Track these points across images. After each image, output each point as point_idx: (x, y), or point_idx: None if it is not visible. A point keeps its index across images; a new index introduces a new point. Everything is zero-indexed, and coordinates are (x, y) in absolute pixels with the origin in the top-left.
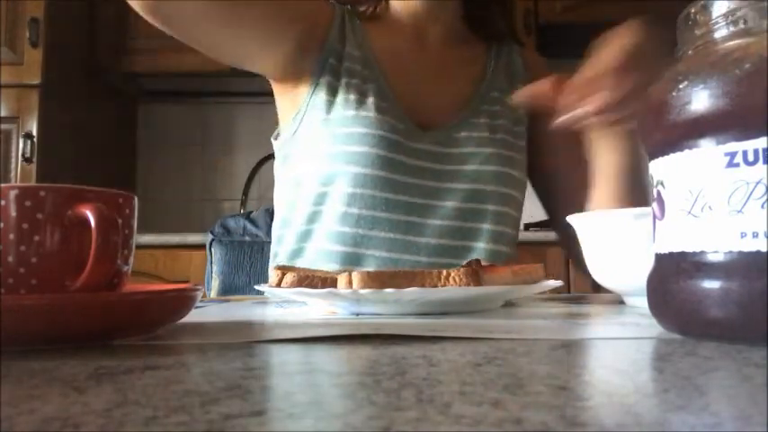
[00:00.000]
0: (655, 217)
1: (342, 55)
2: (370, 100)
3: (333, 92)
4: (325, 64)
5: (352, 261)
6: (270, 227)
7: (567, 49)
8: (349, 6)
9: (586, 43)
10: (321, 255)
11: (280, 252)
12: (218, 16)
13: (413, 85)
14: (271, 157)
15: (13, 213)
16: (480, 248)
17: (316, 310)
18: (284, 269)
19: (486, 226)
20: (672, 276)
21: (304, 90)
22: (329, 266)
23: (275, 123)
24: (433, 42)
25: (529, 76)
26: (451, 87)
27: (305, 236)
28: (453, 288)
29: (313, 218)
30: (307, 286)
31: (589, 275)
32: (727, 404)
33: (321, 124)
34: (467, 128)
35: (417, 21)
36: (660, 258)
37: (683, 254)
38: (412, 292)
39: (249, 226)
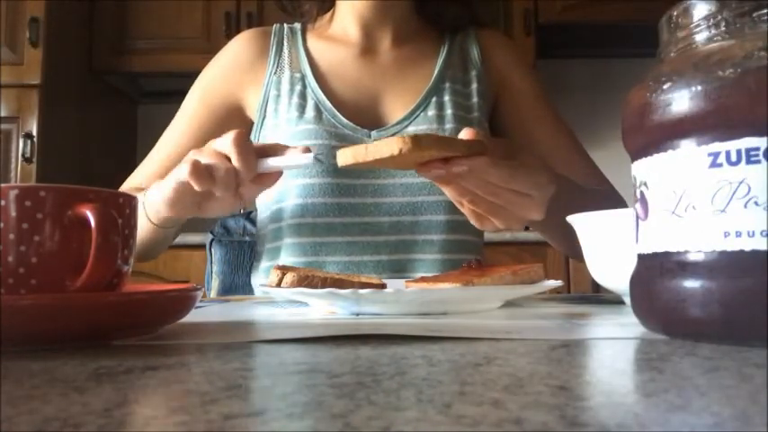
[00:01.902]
0: (638, 217)
1: (280, 81)
2: (310, 114)
3: (276, 115)
4: (266, 98)
5: None
6: None
7: (566, 50)
8: (295, 24)
9: (586, 43)
10: None
11: (259, 268)
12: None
13: (359, 90)
14: None
15: (13, 213)
16: (441, 240)
17: (316, 310)
18: (284, 269)
19: (441, 217)
20: (655, 276)
21: (252, 125)
22: None
23: None
24: (382, 44)
25: (485, 66)
26: (402, 86)
27: (274, 253)
28: (453, 288)
29: (276, 235)
30: (307, 286)
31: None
32: (727, 404)
33: None
34: (414, 122)
35: (366, 24)
36: (643, 258)
37: (666, 254)
38: (412, 292)
39: (249, 226)
